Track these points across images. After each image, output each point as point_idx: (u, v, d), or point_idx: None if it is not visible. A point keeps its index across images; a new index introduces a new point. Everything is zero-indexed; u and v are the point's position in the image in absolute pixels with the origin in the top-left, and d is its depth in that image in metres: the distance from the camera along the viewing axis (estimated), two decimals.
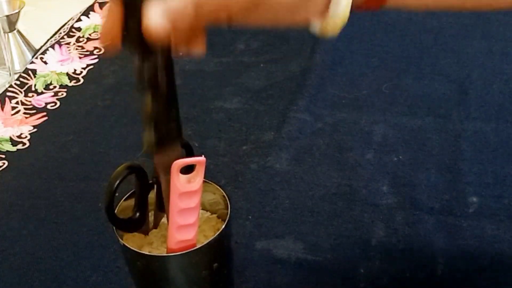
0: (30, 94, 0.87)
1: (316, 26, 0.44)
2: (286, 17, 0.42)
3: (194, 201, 0.46)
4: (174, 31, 0.38)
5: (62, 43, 0.97)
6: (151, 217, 0.50)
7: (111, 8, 0.40)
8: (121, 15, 0.39)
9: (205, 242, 0.47)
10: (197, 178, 0.45)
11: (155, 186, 0.48)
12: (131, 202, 0.49)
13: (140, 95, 0.43)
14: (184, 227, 0.46)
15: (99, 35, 0.41)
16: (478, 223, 0.63)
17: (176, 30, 0.38)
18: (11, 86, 0.89)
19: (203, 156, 0.45)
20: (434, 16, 0.96)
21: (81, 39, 0.98)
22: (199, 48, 0.42)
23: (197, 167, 0.45)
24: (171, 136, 0.45)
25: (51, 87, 0.88)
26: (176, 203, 0.45)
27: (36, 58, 0.94)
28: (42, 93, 0.87)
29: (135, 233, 0.50)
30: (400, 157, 0.71)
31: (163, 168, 0.46)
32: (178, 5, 0.37)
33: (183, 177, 0.45)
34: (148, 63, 0.41)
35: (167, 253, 0.48)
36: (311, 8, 0.42)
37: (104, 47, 0.41)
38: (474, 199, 0.65)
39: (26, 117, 0.83)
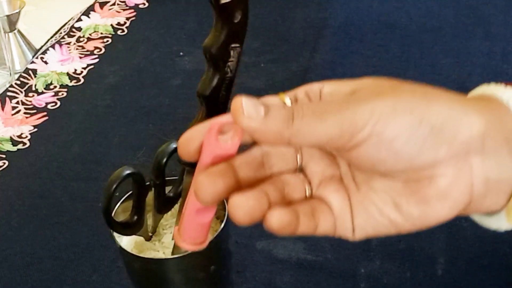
0: (30, 94, 0.87)
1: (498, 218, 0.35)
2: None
3: None
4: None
5: (62, 43, 0.97)
6: (148, 219, 0.50)
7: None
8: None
9: None
10: (235, 140, 0.39)
11: (153, 188, 0.48)
12: (129, 204, 0.49)
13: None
14: (205, 209, 0.39)
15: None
16: (478, 223, 0.62)
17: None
18: (11, 86, 0.89)
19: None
20: (434, 16, 0.96)
21: (81, 39, 0.98)
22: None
23: (233, 130, 0.39)
24: None
25: (51, 87, 0.88)
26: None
27: (37, 58, 0.94)
28: (42, 93, 0.87)
29: (136, 236, 0.51)
30: None
31: None
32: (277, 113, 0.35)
33: (221, 138, 0.39)
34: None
35: (175, 244, 0.47)
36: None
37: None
38: None
39: (27, 117, 0.83)
